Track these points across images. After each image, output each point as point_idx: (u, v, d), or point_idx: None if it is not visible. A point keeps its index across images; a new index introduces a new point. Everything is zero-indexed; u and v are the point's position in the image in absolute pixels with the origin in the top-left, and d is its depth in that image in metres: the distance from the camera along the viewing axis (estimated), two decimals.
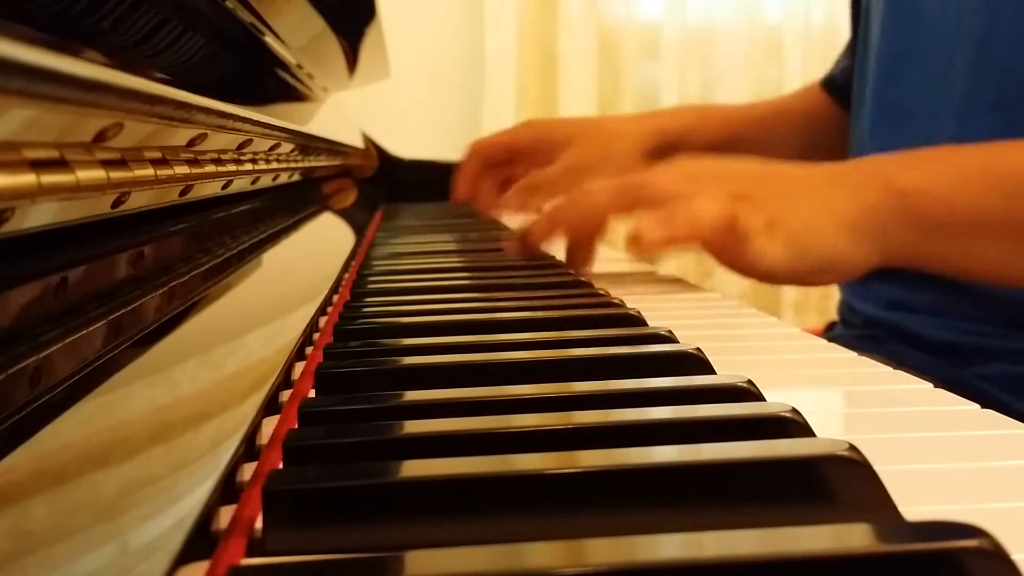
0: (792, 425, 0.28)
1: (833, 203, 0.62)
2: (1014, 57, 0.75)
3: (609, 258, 0.84)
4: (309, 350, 0.43)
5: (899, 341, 0.82)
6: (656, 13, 2.20)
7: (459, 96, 2.21)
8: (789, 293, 2.21)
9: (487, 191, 1.07)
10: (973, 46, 0.78)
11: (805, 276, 0.63)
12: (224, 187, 0.45)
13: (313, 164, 0.73)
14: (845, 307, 0.94)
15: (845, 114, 1.01)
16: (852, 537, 0.20)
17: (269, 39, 0.61)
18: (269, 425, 0.31)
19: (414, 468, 0.24)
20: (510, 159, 1.05)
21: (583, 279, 0.59)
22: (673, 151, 0.98)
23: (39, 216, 0.23)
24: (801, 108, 1.09)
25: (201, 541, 0.21)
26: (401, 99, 2.02)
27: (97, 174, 0.25)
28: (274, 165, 0.56)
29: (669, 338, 0.41)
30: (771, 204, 0.60)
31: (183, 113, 0.32)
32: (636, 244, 0.57)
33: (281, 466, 0.27)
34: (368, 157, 1.27)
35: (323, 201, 0.90)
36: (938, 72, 0.81)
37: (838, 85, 1.04)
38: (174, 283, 0.36)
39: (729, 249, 0.60)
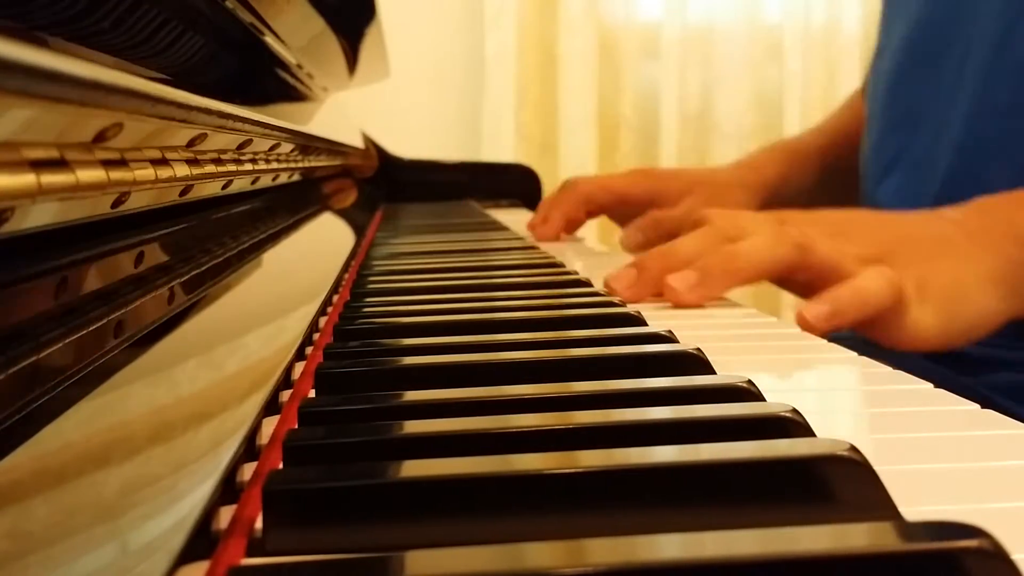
0: (792, 425, 0.28)
1: (973, 259, 0.59)
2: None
3: (609, 258, 0.84)
4: (309, 350, 0.43)
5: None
6: (656, 13, 2.20)
7: (459, 96, 2.21)
8: (789, 293, 2.21)
9: (571, 229, 1.01)
10: (988, 48, 0.77)
11: (956, 339, 0.59)
12: (224, 187, 0.45)
13: (313, 164, 0.73)
14: None
15: None
16: (852, 537, 0.20)
17: (269, 39, 0.61)
18: (269, 425, 0.31)
19: (414, 468, 0.24)
20: (617, 208, 1.00)
21: (583, 279, 0.59)
22: (775, 200, 0.98)
23: (39, 216, 0.23)
24: (848, 125, 1.06)
25: (201, 541, 0.21)
26: (401, 99, 2.02)
27: (97, 174, 0.25)
28: (274, 165, 0.56)
29: (669, 338, 0.41)
30: (916, 266, 0.57)
31: (183, 113, 0.32)
32: (805, 326, 0.53)
33: (281, 466, 0.27)
34: (368, 157, 1.27)
35: (323, 201, 0.90)
36: (950, 76, 0.81)
37: None
38: (174, 283, 0.36)
39: (887, 321, 0.56)
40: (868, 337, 0.58)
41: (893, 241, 0.59)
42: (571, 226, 0.99)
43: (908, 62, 0.87)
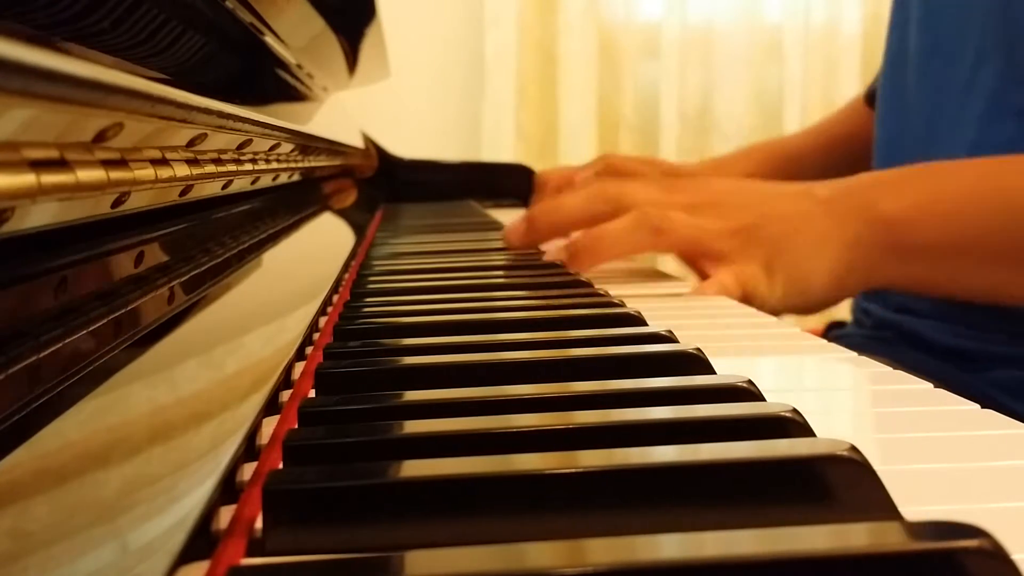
0: (792, 425, 0.28)
1: (824, 241, 0.65)
2: None
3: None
4: (309, 350, 0.43)
5: (908, 344, 0.82)
6: (656, 13, 2.20)
7: (459, 96, 2.21)
8: None
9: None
10: (1003, 51, 0.78)
11: (799, 310, 0.68)
12: (224, 187, 0.45)
13: (313, 164, 0.73)
14: (858, 307, 0.95)
15: None
16: (852, 537, 0.20)
17: (269, 39, 0.61)
18: (269, 425, 0.31)
19: (414, 468, 0.24)
20: None
21: (583, 279, 0.59)
22: None
23: (39, 216, 0.23)
24: (848, 133, 1.09)
25: (201, 541, 0.21)
26: (401, 99, 2.02)
27: (97, 174, 0.25)
28: (274, 165, 0.56)
29: (669, 338, 0.41)
30: (769, 245, 0.64)
31: (183, 113, 0.32)
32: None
33: (281, 466, 0.27)
34: (368, 157, 1.27)
35: (323, 201, 0.90)
36: (963, 77, 0.81)
37: None
38: (174, 283, 0.36)
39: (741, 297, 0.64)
40: None
41: (757, 217, 0.66)
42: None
43: (922, 64, 0.87)
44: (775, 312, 0.63)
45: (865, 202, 0.67)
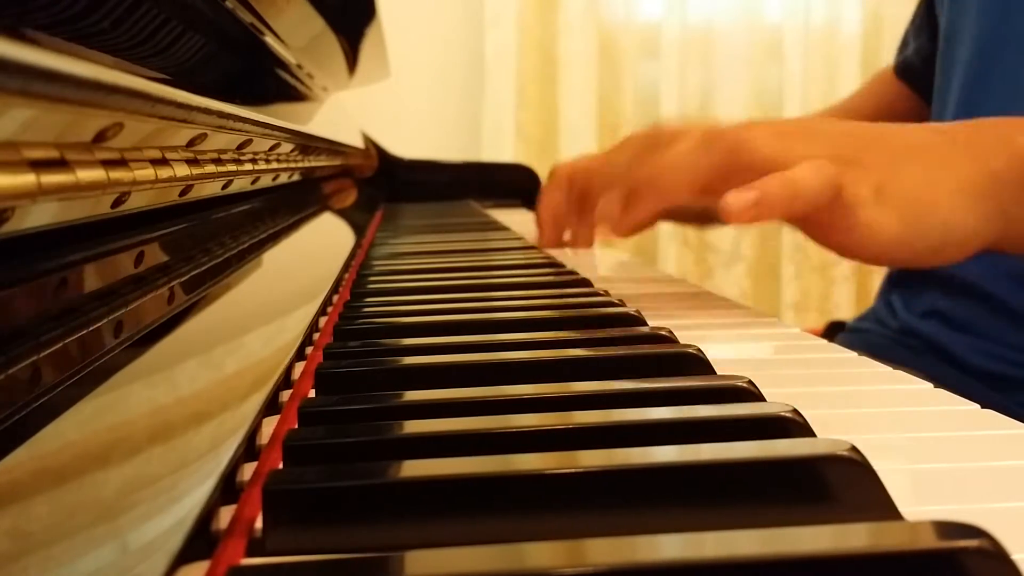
0: (792, 425, 0.28)
1: (951, 167, 0.52)
2: None
3: (609, 257, 0.84)
4: (309, 350, 0.43)
5: (937, 357, 0.78)
6: (656, 13, 2.20)
7: (459, 96, 2.21)
8: (789, 293, 2.21)
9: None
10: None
11: (920, 253, 0.52)
12: (224, 187, 0.45)
13: (313, 164, 0.73)
14: (884, 305, 0.88)
15: (925, 104, 0.90)
16: (852, 537, 0.20)
17: (269, 39, 0.61)
18: (269, 425, 0.31)
19: (414, 468, 0.24)
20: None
21: (583, 279, 0.59)
22: None
23: (39, 216, 0.23)
24: (875, 108, 0.97)
25: (201, 541, 0.21)
26: (401, 99, 2.02)
27: (97, 174, 0.25)
28: (274, 165, 0.56)
29: (669, 338, 0.41)
30: (880, 170, 0.51)
31: (183, 113, 0.32)
32: (729, 216, 0.48)
33: (281, 466, 0.27)
34: (368, 157, 1.27)
35: (323, 201, 0.90)
36: (989, 98, 0.76)
37: (917, 72, 0.92)
38: (174, 283, 0.36)
39: (835, 224, 0.50)
40: (818, 242, 0.53)
41: (857, 145, 0.53)
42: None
43: (982, 67, 0.80)
44: (883, 257, 0.51)
45: (1005, 137, 0.55)
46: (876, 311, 0.90)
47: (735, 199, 0.48)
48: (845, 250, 0.52)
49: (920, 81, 0.93)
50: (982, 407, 0.35)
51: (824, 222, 0.50)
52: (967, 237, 0.52)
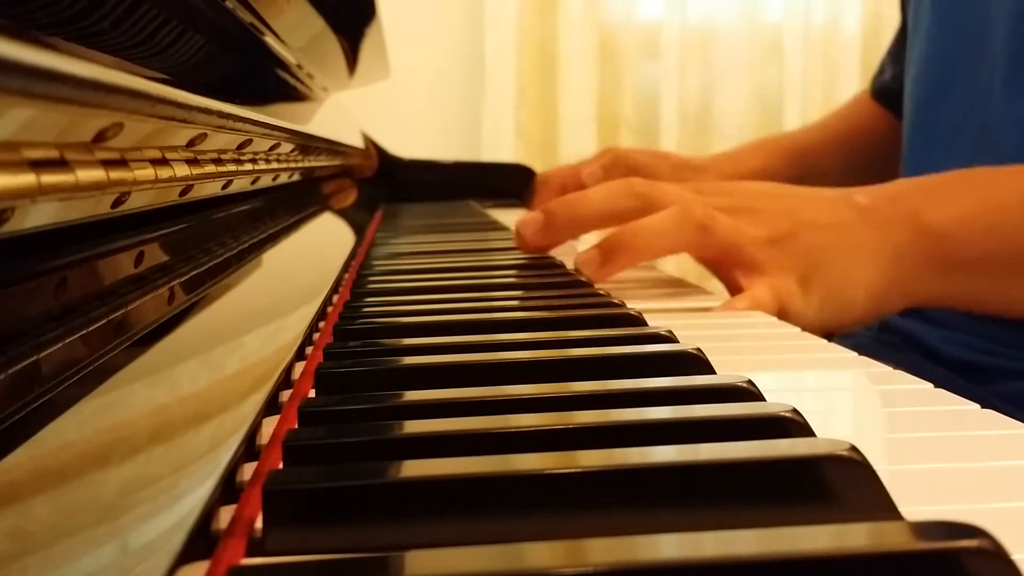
0: (792, 425, 0.28)
1: (865, 253, 0.60)
2: (1007, 109, 0.74)
3: None
4: (309, 350, 0.43)
5: (915, 351, 0.81)
6: (656, 13, 2.20)
7: (459, 96, 2.21)
8: None
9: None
10: (981, 98, 0.77)
11: (839, 328, 0.62)
12: (224, 187, 0.45)
13: (313, 164, 0.73)
14: None
15: (900, 122, 0.96)
16: (852, 537, 0.20)
17: (269, 39, 0.61)
18: (269, 425, 0.31)
19: (414, 468, 0.24)
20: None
21: (583, 279, 0.59)
22: None
23: (39, 216, 0.23)
24: (855, 128, 1.05)
25: (201, 541, 0.21)
26: (401, 99, 2.02)
27: (97, 174, 0.25)
28: (274, 165, 0.56)
29: (669, 338, 0.41)
30: (808, 255, 0.59)
31: (183, 113, 0.32)
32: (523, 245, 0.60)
33: (281, 466, 0.27)
34: (368, 157, 1.27)
35: (323, 201, 0.90)
36: (982, 94, 0.80)
37: (895, 96, 0.98)
38: (174, 283, 0.36)
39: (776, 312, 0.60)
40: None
41: (796, 225, 0.61)
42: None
43: (937, 80, 0.85)
44: (811, 328, 0.58)
45: (908, 211, 0.62)
46: None
47: (585, 263, 0.60)
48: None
49: (897, 104, 0.98)
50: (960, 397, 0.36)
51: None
52: (867, 313, 0.62)
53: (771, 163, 1.03)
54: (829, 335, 0.85)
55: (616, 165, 1.00)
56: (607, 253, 0.61)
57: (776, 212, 0.62)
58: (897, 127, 0.98)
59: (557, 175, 1.05)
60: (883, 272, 0.60)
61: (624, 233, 0.60)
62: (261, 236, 0.55)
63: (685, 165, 1.04)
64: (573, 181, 1.00)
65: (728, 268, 0.61)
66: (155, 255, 0.35)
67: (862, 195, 0.64)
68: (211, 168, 0.38)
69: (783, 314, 0.58)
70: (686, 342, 0.39)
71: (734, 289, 0.60)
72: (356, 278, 0.64)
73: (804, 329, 0.58)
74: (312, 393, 0.35)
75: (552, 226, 0.65)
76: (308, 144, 0.68)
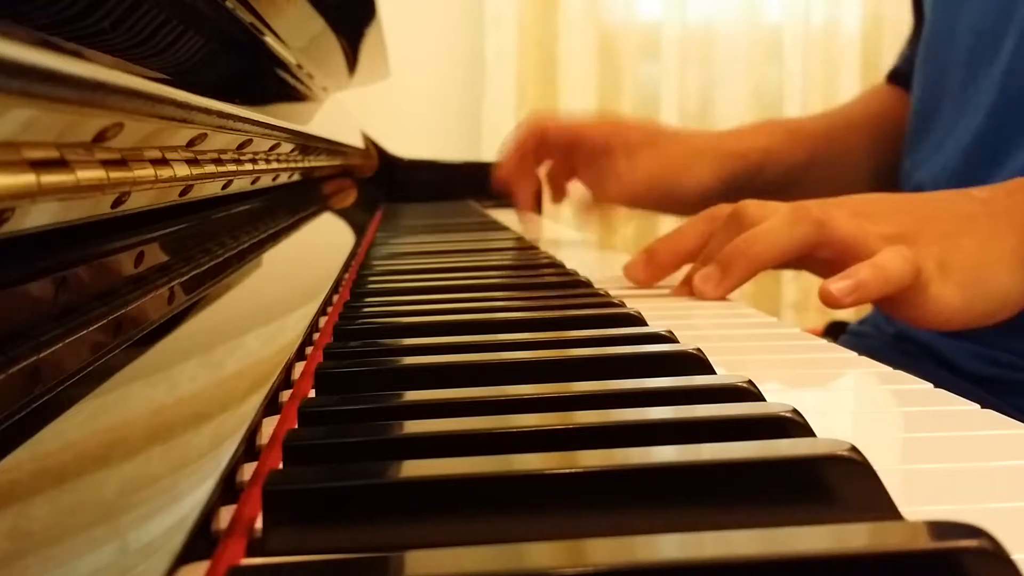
0: (792, 425, 0.28)
1: (996, 238, 0.58)
2: None
3: (611, 258, 0.84)
4: (309, 350, 0.43)
5: (933, 362, 0.80)
6: (656, 13, 2.20)
7: (459, 96, 2.21)
8: (789, 293, 2.22)
9: (531, 178, 0.97)
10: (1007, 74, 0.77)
11: (977, 319, 0.58)
12: (224, 187, 0.45)
13: (313, 164, 0.73)
14: (879, 313, 0.90)
15: None
16: (852, 537, 0.20)
17: (269, 39, 0.61)
18: (269, 425, 0.31)
19: (414, 468, 0.24)
20: (570, 148, 0.95)
21: (583, 279, 0.59)
22: (754, 172, 0.95)
23: (39, 216, 0.23)
24: (870, 115, 1.03)
25: (201, 541, 0.21)
26: (401, 99, 2.02)
27: (97, 174, 0.25)
28: (274, 165, 0.56)
29: (669, 338, 0.41)
30: (937, 244, 0.57)
31: (183, 113, 0.32)
32: (830, 302, 0.54)
33: (281, 466, 0.27)
34: (368, 157, 1.27)
35: (323, 201, 0.90)
36: (976, 96, 0.79)
37: (909, 78, 0.97)
38: (174, 283, 0.36)
39: (908, 300, 0.56)
40: (892, 315, 0.58)
41: (916, 220, 0.58)
42: (531, 175, 0.96)
43: (929, 93, 0.85)
44: (949, 323, 0.56)
45: None
46: (874, 317, 0.92)
47: (836, 286, 0.54)
48: (915, 320, 0.57)
49: (910, 85, 0.97)
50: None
51: (897, 298, 0.55)
52: (1014, 302, 0.58)
53: (775, 143, 1.00)
54: (830, 334, 0.84)
55: (613, 129, 0.95)
56: (726, 265, 0.59)
57: (895, 211, 0.60)
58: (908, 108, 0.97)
59: (552, 127, 0.98)
60: (1020, 256, 0.58)
61: (739, 242, 0.59)
62: (261, 236, 0.55)
63: (678, 140, 0.99)
64: (573, 140, 0.95)
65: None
66: (155, 255, 0.35)
67: (978, 191, 0.63)
68: (211, 168, 0.38)
69: (921, 296, 0.55)
70: (686, 342, 0.39)
71: None
72: (356, 278, 0.64)
73: (942, 324, 0.56)
74: (312, 393, 0.35)
75: (655, 263, 0.66)
76: (308, 144, 0.68)
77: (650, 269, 0.66)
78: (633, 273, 0.66)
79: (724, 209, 0.64)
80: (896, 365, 0.42)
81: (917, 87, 0.90)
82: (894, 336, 0.86)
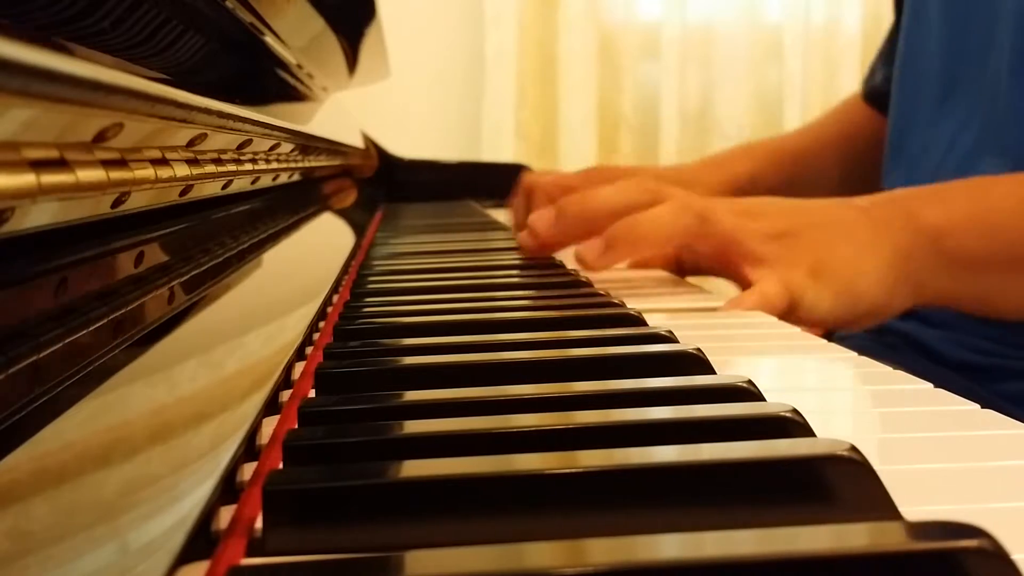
0: (792, 425, 0.28)
1: (871, 246, 0.61)
2: (1014, 104, 0.75)
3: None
4: (309, 350, 0.43)
5: (915, 352, 0.81)
6: (656, 13, 2.20)
7: (459, 96, 2.21)
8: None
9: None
10: (986, 92, 0.78)
11: (850, 324, 0.62)
12: (224, 187, 0.45)
13: (313, 164, 0.73)
14: None
15: None
16: (852, 537, 0.20)
17: (269, 39, 0.61)
18: (269, 425, 0.31)
19: (414, 468, 0.24)
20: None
21: (583, 279, 0.59)
22: (739, 196, 0.97)
23: (39, 216, 0.23)
24: (842, 135, 1.06)
25: (201, 541, 0.21)
26: (401, 99, 2.02)
27: (97, 174, 0.25)
28: (274, 165, 0.56)
29: (669, 338, 0.41)
30: (815, 249, 0.59)
31: (183, 113, 0.32)
32: (584, 264, 0.60)
33: (281, 466, 0.27)
34: (368, 157, 1.27)
35: (323, 201, 0.90)
36: (952, 116, 0.81)
37: (886, 98, 1.00)
38: (174, 283, 0.36)
39: (787, 308, 0.59)
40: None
41: (798, 224, 0.61)
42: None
43: (906, 105, 0.87)
44: (822, 325, 0.58)
45: (908, 211, 0.63)
46: None
47: (586, 250, 0.60)
48: (793, 322, 0.58)
49: (886, 105, 1.00)
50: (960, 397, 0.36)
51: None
52: (881, 309, 0.61)
53: (759, 167, 1.03)
54: (830, 334, 0.85)
55: (600, 176, 0.99)
56: (609, 242, 0.62)
57: (776, 212, 0.62)
58: (882, 127, 0.99)
59: (545, 182, 1.01)
60: (891, 266, 0.60)
61: (624, 223, 0.61)
62: (261, 236, 0.55)
63: (674, 178, 1.02)
64: (559, 191, 0.99)
65: (732, 264, 0.60)
66: (155, 255, 0.35)
67: (861, 199, 0.65)
68: (211, 168, 0.38)
69: (795, 307, 0.57)
70: (686, 342, 0.39)
71: (744, 285, 0.60)
72: (356, 278, 0.64)
73: (817, 325, 0.58)
74: (312, 393, 0.35)
75: (563, 222, 0.66)
76: (308, 144, 0.68)
77: (558, 227, 0.67)
78: (539, 227, 0.68)
79: (641, 182, 0.66)
80: (879, 357, 0.43)
81: (893, 110, 0.92)
82: (877, 332, 0.88)
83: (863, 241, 0.61)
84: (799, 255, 0.59)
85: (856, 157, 1.04)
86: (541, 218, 0.67)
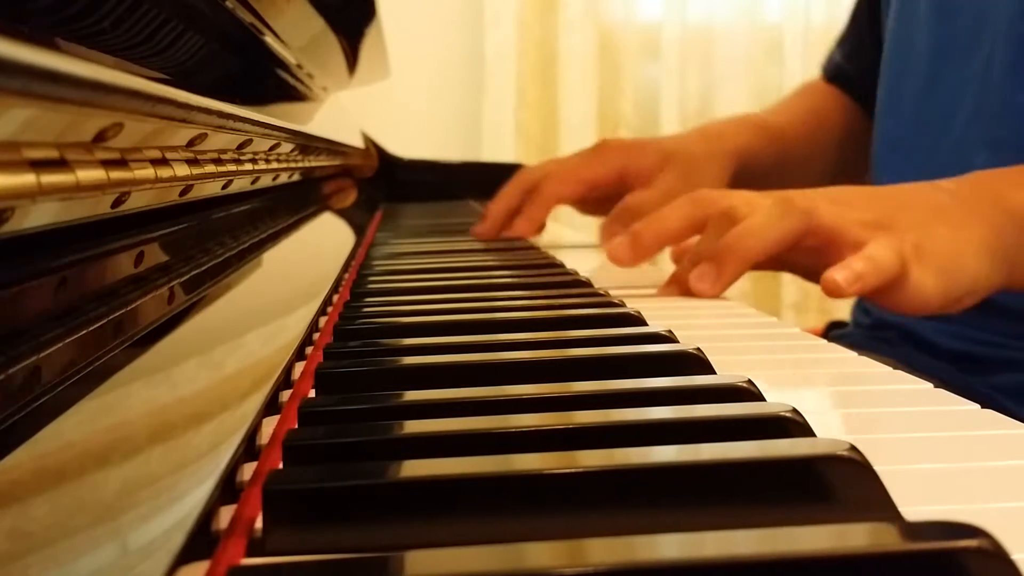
0: (792, 425, 0.28)
1: (965, 227, 0.60)
2: (1007, 98, 0.76)
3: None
4: (309, 350, 0.43)
5: (910, 345, 0.82)
6: (656, 13, 2.20)
7: (459, 96, 2.21)
8: (789, 293, 2.21)
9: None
10: (976, 83, 0.78)
11: (948, 303, 0.60)
12: (224, 187, 0.45)
13: (313, 164, 0.73)
14: (858, 306, 0.94)
15: (859, 106, 0.99)
16: (852, 537, 0.20)
17: (269, 39, 0.61)
18: (269, 425, 0.31)
19: (414, 468, 0.24)
20: (589, 194, 0.94)
21: (583, 279, 0.59)
22: (741, 170, 0.96)
23: (39, 216, 0.23)
24: (814, 111, 1.05)
25: (201, 541, 0.21)
26: (401, 99, 2.02)
27: (97, 174, 0.25)
28: (274, 165, 0.56)
29: (669, 338, 0.41)
30: (913, 231, 0.58)
31: (183, 113, 0.32)
32: (833, 293, 0.55)
33: (281, 466, 0.27)
34: (368, 157, 1.27)
35: (323, 201, 0.90)
36: (939, 107, 0.81)
37: (851, 78, 1.01)
38: (174, 283, 0.36)
39: (891, 288, 0.57)
40: (875, 303, 0.60)
41: (891, 208, 0.60)
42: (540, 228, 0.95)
43: (893, 93, 0.88)
44: (924, 309, 0.57)
45: (996, 192, 0.63)
46: (853, 315, 0.95)
47: (842, 277, 0.55)
48: (895, 306, 0.58)
49: (855, 87, 1.00)
50: (953, 390, 0.36)
51: (882, 286, 0.57)
52: (981, 287, 0.60)
53: (755, 142, 1.01)
54: (827, 333, 0.85)
55: (610, 151, 0.95)
56: (720, 262, 0.59)
57: (869, 199, 0.61)
58: (856, 113, 1.00)
59: (556, 186, 0.98)
60: (986, 244, 0.60)
61: (729, 237, 0.59)
62: (261, 236, 0.55)
63: (683, 153, 0.99)
64: (584, 188, 0.96)
65: (838, 255, 0.57)
66: (155, 255, 0.35)
67: (945, 182, 0.65)
68: (211, 168, 0.38)
69: (899, 286, 0.56)
70: (686, 342, 0.39)
71: None
72: (356, 278, 0.64)
73: (918, 310, 0.58)
74: (312, 393, 0.35)
75: (639, 245, 0.66)
76: (308, 144, 0.68)
77: (635, 250, 0.66)
78: (616, 254, 0.66)
79: (705, 192, 0.65)
80: (876, 353, 0.43)
81: (881, 105, 0.92)
82: (871, 327, 0.88)
83: (957, 222, 0.60)
84: (903, 235, 0.58)
85: (828, 134, 1.04)
86: (619, 247, 0.66)
